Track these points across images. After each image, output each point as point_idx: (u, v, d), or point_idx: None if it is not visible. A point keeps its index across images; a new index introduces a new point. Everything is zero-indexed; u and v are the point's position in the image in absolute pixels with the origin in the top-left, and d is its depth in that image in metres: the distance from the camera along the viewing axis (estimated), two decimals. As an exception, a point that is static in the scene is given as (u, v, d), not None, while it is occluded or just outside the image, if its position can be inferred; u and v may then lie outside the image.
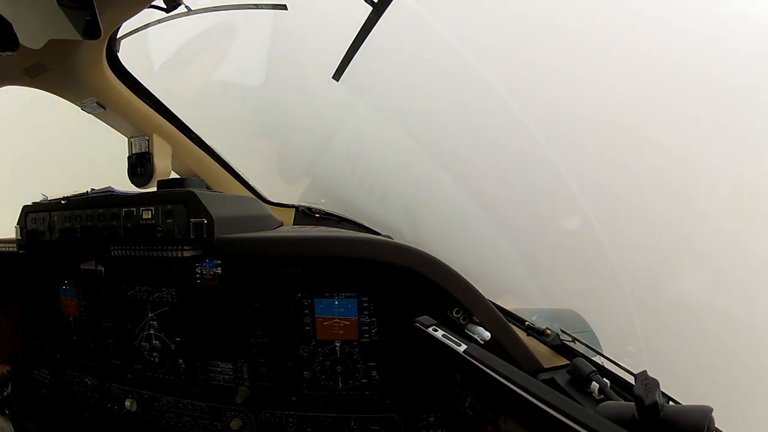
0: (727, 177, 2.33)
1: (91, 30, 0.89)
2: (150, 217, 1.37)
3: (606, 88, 2.38)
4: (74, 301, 1.67)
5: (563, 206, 2.56)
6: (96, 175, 1.91)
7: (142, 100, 1.75)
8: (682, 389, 1.21)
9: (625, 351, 2.39)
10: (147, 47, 2.43)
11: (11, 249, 1.74)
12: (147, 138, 1.85)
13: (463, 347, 0.96)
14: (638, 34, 2.29)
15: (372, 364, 1.38)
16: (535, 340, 1.45)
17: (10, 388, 1.63)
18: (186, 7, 1.60)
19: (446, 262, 1.28)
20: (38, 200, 1.70)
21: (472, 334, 1.27)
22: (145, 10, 1.27)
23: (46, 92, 1.60)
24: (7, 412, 1.63)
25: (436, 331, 1.05)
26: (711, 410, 0.76)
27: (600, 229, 2.48)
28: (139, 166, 1.86)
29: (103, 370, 1.64)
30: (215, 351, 1.46)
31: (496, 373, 0.84)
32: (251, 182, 2.32)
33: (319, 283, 1.37)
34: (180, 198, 1.35)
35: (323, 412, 1.41)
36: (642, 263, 2.46)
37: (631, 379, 1.21)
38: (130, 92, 1.70)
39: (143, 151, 1.86)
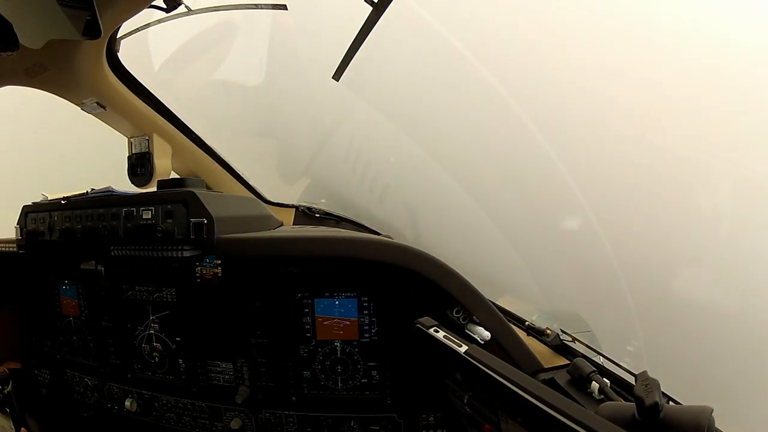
0: (727, 176, 2.33)
1: (91, 30, 0.89)
2: (150, 217, 1.37)
3: (607, 88, 2.38)
4: (74, 301, 1.66)
5: (563, 206, 2.56)
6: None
7: (142, 100, 1.75)
8: (681, 389, 1.21)
9: (625, 351, 2.39)
10: (147, 47, 2.42)
11: (11, 249, 1.74)
12: (147, 138, 1.85)
13: (464, 348, 0.96)
14: (639, 32, 2.29)
15: (372, 364, 1.38)
16: (535, 340, 1.45)
17: (10, 386, 1.63)
18: (186, 7, 1.59)
19: (446, 262, 1.28)
20: (38, 200, 1.70)
21: (472, 334, 1.27)
22: (145, 10, 1.27)
23: (46, 92, 1.60)
24: (8, 410, 1.63)
25: (437, 332, 1.05)
26: (711, 410, 0.76)
27: (600, 228, 2.48)
28: (139, 166, 1.86)
29: (103, 370, 1.64)
30: (215, 351, 1.46)
31: (497, 374, 0.84)
32: (251, 182, 2.32)
33: (319, 283, 1.37)
34: (180, 198, 1.35)
35: (323, 412, 1.41)
36: (642, 263, 2.45)
37: (631, 380, 1.21)
38: (130, 92, 1.70)
39: (143, 151, 1.86)
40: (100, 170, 2.19)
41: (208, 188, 2.01)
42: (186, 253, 1.32)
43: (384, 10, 1.53)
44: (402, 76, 2.65)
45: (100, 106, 1.68)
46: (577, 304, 2.50)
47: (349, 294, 1.36)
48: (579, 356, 1.35)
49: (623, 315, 2.45)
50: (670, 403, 1.16)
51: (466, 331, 1.29)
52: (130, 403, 1.57)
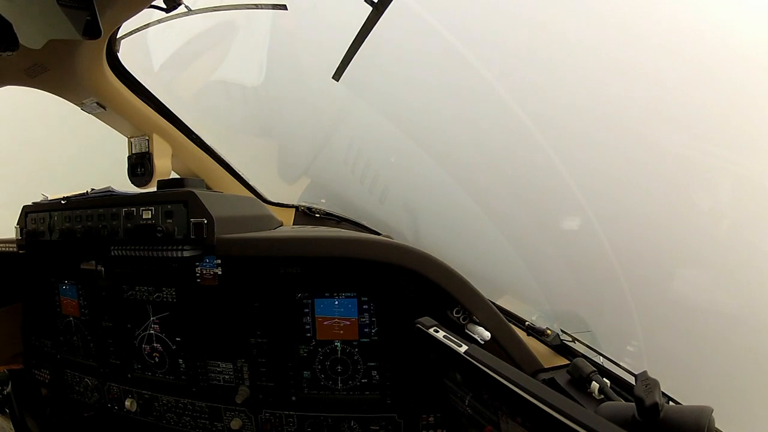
0: (728, 176, 2.33)
1: (91, 30, 0.89)
2: (150, 217, 1.37)
3: (607, 88, 2.38)
4: (74, 301, 1.66)
5: (563, 206, 2.56)
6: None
7: (142, 100, 1.75)
8: (681, 390, 1.21)
9: (625, 351, 2.39)
10: (147, 47, 2.42)
11: (11, 249, 1.74)
12: (147, 138, 1.85)
13: (464, 348, 0.96)
14: (639, 32, 2.29)
15: (372, 364, 1.38)
16: (535, 340, 1.46)
17: (10, 386, 1.63)
18: (186, 7, 1.59)
19: (446, 262, 1.28)
20: (38, 200, 1.70)
21: (472, 334, 1.27)
22: (145, 10, 1.27)
23: (47, 92, 1.60)
24: (7, 411, 1.63)
25: (437, 332, 1.05)
26: (711, 410, 0.76)
27: (600, 228, 2.48)
28: (139, 166, 1.86)
29: (103, 370, 1.64)
30: (215, 351, 1.46)
31: (497, 374, 0.84)
32: (251, 182, 2.32)
33: (319, 283, 1.37)
34: (180, 198, 1.35)
35: (323, 412, 1.41)
36: (642, 263, 2.45)
37: (631, 379, 1.21)
38: (130, 92, 1.70)
39: (143, 151, 1.86)
40: (100, 170, 2.19)
41: (208, 188, 2.01)
42: (186, 253, 1.32)
43: (384, 10, 1.53)
44: (402, 77, 2.65)
45: (100, 106, 1.68)
46: (577, 304, 2.50)
47: (349, 294, 1.36)
48: (579, 356, 1.35)
49: (623, 315, 2.44)
50: (670, 403, 1.16)
51: (466, 331, 1.29)
52: (130, 403, 1.57)
